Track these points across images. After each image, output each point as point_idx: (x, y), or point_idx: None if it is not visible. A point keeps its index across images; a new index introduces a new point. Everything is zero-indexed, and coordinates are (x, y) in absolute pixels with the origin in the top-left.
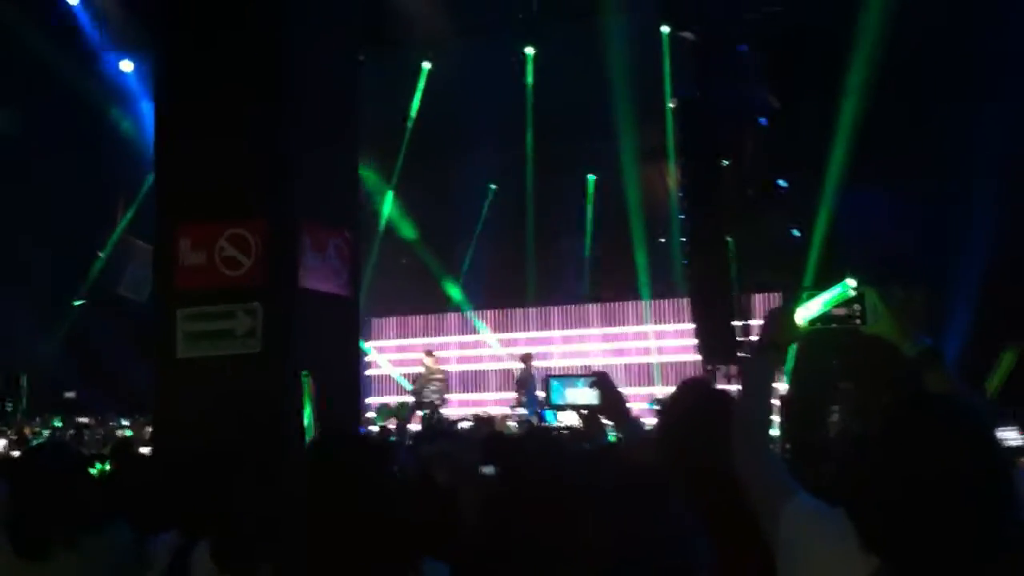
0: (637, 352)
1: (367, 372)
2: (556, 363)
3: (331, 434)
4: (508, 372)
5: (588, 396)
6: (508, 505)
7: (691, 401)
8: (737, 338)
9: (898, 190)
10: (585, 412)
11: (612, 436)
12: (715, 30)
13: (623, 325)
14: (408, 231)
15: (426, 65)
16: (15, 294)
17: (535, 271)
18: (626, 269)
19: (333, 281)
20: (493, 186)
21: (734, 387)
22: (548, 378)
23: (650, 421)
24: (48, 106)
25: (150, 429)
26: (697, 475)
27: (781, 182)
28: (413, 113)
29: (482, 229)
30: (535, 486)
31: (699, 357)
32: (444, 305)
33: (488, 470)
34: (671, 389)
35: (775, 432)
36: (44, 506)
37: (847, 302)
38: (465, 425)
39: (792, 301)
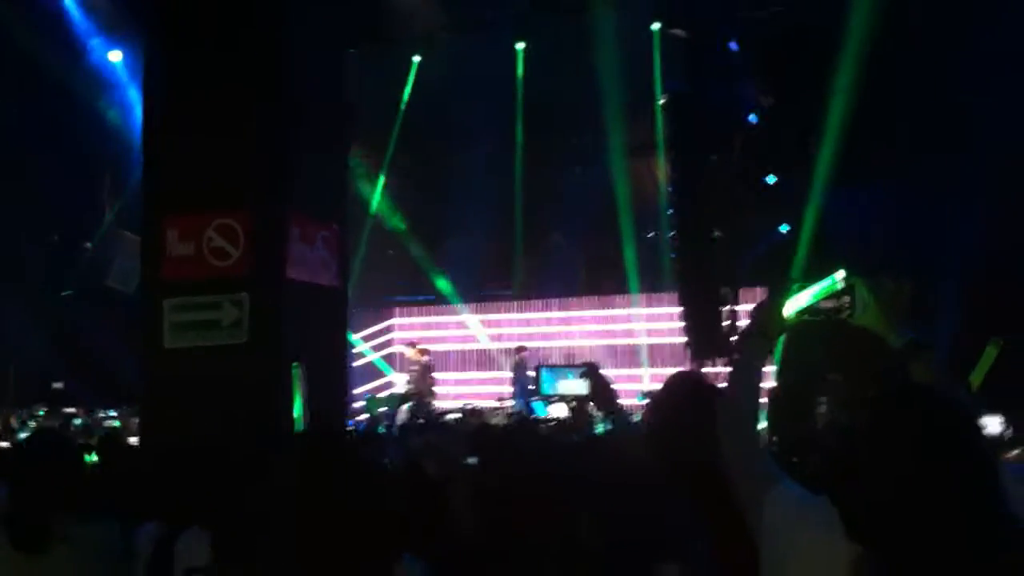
0: (624, 335)
1: (354, 363)
2: (540, 344)
3: (315, 428)
4: (494, 354)
5: (579, 386)
6: (497, 497)
7: (681, 394)
8: (725, 333)
9: (886, 187)
10: (574, 403)
11: (600, 428)
12: (706, 27)
13: (611, 308)
14: (397, 222)
15: (416, 58)
16: (1, 285)
17: (523, 264)
18: (614, 263)
19: (321, 272)
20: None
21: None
22: (539, 368)
23: (639, 414)
24: (34, 96)
25: (137, 420)
26: (687, 468)
27: (770, 178)
28: (403, 105)
29: (471, 222)
30: (522, 479)
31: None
32: (432, 296)
33: (473, 461)
34: (658, 371)
35: (762, 424)
36: (43, 497)
37: (836, 294)
38: (453, 417)
39: (781, 292)
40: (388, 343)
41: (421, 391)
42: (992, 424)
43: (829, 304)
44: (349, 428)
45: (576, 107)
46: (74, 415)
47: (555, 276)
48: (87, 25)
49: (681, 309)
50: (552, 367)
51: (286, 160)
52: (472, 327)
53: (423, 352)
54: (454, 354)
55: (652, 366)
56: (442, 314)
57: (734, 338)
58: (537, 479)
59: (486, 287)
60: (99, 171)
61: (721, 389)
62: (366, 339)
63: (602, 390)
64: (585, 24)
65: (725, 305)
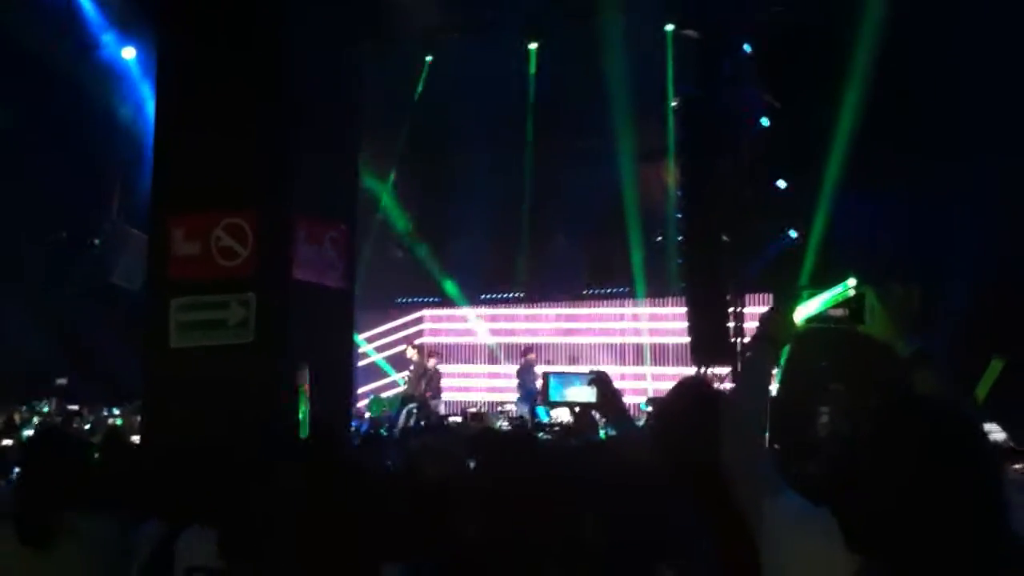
0: (630, 334)
1: (360, 364)
2: (545, 339)
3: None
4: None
5: (586, 394)
6: (498, 498)
7: (687, 397)
8: (731, 339)
9: (895, 193)
10: (577, 409)
11: (603, 434)
12: (719, 30)
13: (617, 307)
14: (403, 223)
15: (429, 58)
16: (6, 280)
17: (531, 266)
18: (622, 266)
19: (328, 273)
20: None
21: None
22: (547, 376)
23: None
24: (43, 92)
25: (139, 418)
26: (692, 469)
27: (780, 183)
28: (414, 105)
29: (478, 223)
30: (524, 480)
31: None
32: (439, 298)
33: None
34: (660, 370)
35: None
36: (49, 493)
37: (845, 302)
38: (454, 420)
39: (791, 299)
40: (418, 334)
41: (420, 392)
42: (995, 433)
43: (838, 312)
44: (352, 428)
45: (585, 109)
46: (77, 412)
47: (561, 278)
48: (100, 20)
49: (687, 313)
50: (560, 374)
51: (294, 160)
52: (475, 325)
53: (430, 355)
54: (481, 348)
55: (655, 365)
56: (447, 313)
57: (738, 341)
58: (539, 480)
59: (492, 289)
60: (107, 168)
61: (725, 393)
62: (370, 340)
63: (611, 400)
64: (598, 26)
65: (731, 311)
